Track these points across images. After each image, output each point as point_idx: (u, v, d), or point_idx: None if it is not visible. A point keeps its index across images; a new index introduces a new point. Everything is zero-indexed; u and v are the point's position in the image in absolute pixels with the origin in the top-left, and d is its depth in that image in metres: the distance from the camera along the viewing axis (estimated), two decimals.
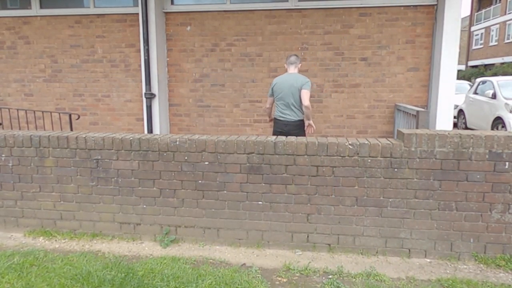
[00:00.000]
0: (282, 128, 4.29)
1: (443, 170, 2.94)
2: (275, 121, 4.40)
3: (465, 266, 2.95)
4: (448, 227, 3.01)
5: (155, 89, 5.99)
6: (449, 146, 2.91)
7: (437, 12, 5.53)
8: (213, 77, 6.14)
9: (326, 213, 3.11)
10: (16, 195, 3.50)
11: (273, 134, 4.35)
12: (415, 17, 5.62)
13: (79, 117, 5.97)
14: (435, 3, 5.53)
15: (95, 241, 3.38)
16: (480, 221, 2.97)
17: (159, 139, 3.22)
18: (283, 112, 4.28)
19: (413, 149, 2.94)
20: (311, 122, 4.35)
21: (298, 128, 4.28)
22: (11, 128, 6.39)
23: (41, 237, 3.45)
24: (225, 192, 3.21)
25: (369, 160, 3.00)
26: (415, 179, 2.98)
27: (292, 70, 4.37)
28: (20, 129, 6.36)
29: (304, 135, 4.33)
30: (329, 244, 3.15)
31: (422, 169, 2.96)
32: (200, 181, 3.23)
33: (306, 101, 4.11)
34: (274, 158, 3.10)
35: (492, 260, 2.96)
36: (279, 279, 2.78)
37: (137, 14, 5.97)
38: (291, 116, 4.25)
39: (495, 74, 19.62)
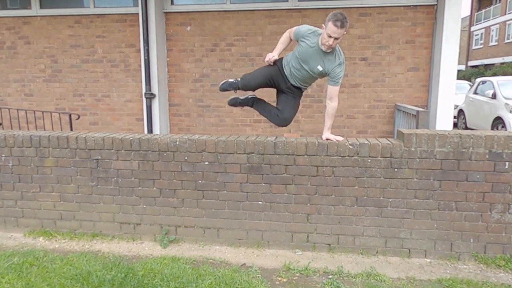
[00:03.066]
0: None
1: (443, 170, 2.94)
2: None
3: (465, 266, 2.95)
4: (448, 227, 3.00)
5: (155, 89, 5.99)
6: (449, 146, 2.91)
7: (437, 12, 5.53)
8: (213, 77, 6.14)
9: (326, 213, 3.11)
10: (16, 195, 3.50)
11: None
12: (415, 17, 5.61)
13: (79, 117, 5.96)
14: (435, 3, 5.52)
15: (95, 241, 3.38)
16: (480, 221, 2.97)
17: (159, 139, 3.22)
18: None
19: (413, 149, 2.94)
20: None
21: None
22: (11, 128, 6.39)
23: (41, 237, 3.45)
24: (225, 192, 3.21)
25: (369, 160, 2.99)
26: (415, 179, 2.97)
27: None
28: (20, 129, 6.35)
29: None
30: (329, 244, 3.15)
31: (422, 169, 2.95)
32: (200, 181, 3.22)
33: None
34: (274, 158, 3.09)
35: (492, 260, 2.96)
36: (279, 279, 2.78)
37: (137, 14, 5.97)
38: None
39: (495, 74, 19.59)
